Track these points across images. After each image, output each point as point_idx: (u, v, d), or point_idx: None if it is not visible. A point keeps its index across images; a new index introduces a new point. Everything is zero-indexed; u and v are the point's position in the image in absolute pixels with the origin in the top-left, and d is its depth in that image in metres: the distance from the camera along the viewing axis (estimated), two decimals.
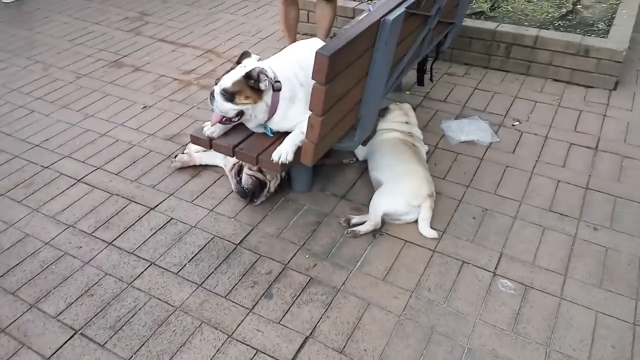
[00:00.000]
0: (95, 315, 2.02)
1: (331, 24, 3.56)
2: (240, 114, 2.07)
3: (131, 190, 2.66)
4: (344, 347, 1.88)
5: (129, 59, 4.03)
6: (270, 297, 2.07)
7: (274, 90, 2.02)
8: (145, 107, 3.39)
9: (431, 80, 3.34)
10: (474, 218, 2.43)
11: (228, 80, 2.03)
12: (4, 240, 2.37)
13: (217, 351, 1.87)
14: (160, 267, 2.22)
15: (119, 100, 3.48)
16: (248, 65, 2.05)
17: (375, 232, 2.35)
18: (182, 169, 2.79)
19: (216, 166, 2.78)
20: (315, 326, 1.95)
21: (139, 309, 2.04)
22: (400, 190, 2.34)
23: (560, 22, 3.71)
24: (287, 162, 1.97)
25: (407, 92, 3.43)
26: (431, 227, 2.32)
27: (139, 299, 2.08)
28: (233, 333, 1.93)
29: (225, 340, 1.91)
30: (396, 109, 2.72)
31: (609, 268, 2.16)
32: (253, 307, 2.03)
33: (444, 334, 1.91)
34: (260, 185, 2.47)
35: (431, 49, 2.83)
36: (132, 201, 2.59)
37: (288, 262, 2.22)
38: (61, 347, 1.90)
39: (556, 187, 2.59)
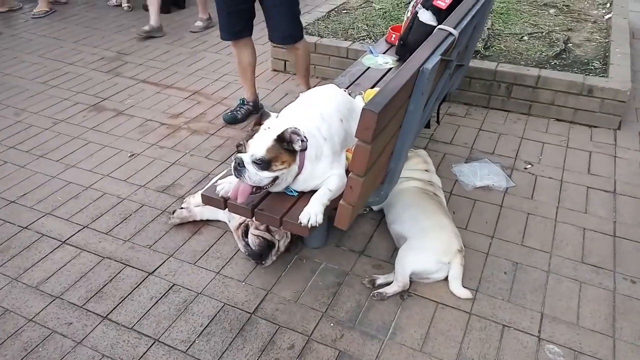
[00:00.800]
0: None
1: (308, 64, 3.43)
2: (275, 179, 1.85)
3: (125, 252, 2.38)
4: None
5: (110, 102, 3.77)
6: None
7: (300, 150, 1.82)
8: (132, 155, 3.12)
9: (438, 122, 3.23)
10: (505, 273, 2.26)
11: (261, 148, 1.78)
12: (13, 322, 2.05)
13: None
14: (165, 344, 1.94)
15: (102, 148, 3.20)
16: (272, 126, 1.84)
17: (403, 294, 2.14)
18: (181, 225, 2.54)
19: (218, 221, 2.54)
20: None
21: None
22: (429, 246, 2.16)
23: (555, 60, 3.69)
24: (317, 225, 1.76)
25: None
26: (463, 286, 2.14)
27: None
28: None
29: None
30: (414, 156, 2.56)
31: None
32: None
33: None
34: (268, 245, 2.24)
35: (446, 92, 2.71)
36: (127, 265, 2.30)
37: (311, 333, 1.98)
38: None
39: (583, 236, 2.47)
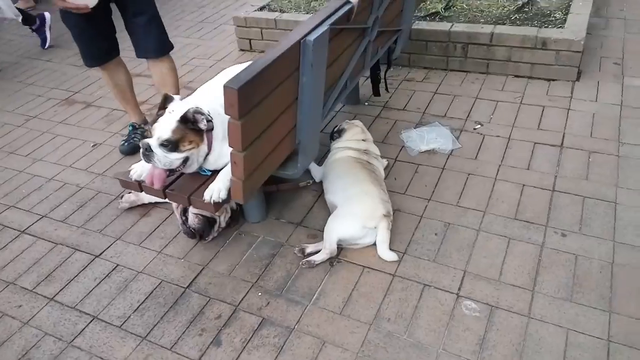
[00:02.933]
0: None
1: (177, 79, 2.99)
2: (186, 160, 1.93)
3: (77, 237, 2.52)
4: None
5: (81, 95, 3.90)
6: (219, 344, 1.93)
7: (206, 130, 1.88)
8: (95, 145, 3.25)
9: (387, 89, 3.22)
10: (435, 234, 2.30)
11: (166, 130, 1.86)
12: None
13: None
14: (103, 321, 2.07)
15: (68, 140, 3.34)
16: (176, 108, 1.91)
17: (332, 260, 2.21)
18: (131, 209, 2.65)
19: (167, 202, 2.64)
20: None
21: None
22: (354, 212, 2.21)
23: (516, 15, 3.60)
24: (221, 201, 1.84)
25: (366, 104, 3.31)
26: (391, 249, 2.19)
27: (79, 359, 1.93)
28: None
29: None
30: (351, 127, 2.59)
31: (580, 278, 2.02)
32: (200, 358, 1.89)
33: None
34: (209, 222, 2.33)
35: (376, 59, 2.70)
36: (76, 250, 2.44)
37: (239, 303, 2.08)
38: None
39: (521, 192, 2.47)
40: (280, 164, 1.96)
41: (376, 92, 3.19)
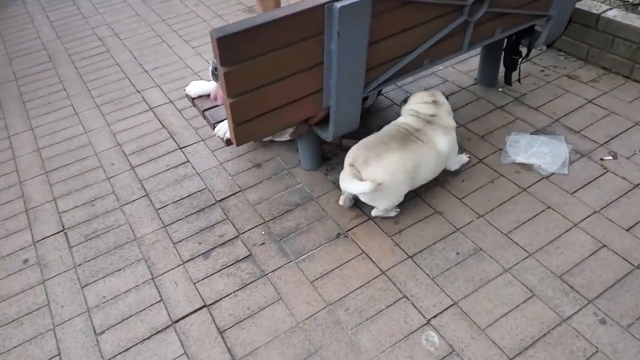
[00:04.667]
0: (83, 222, 2.40)
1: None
2: None
3: (178, 127, 2.95)
4: (226, 329, 1.88)
5: None
6: (207, 257, 2.16)
7: None
8: None
9: (519, 81, 2.75)
10: (457, 254, 2.04)
11: None
12: (76, 143, 2.93)
13: (135, 286, 2.07)
14: (150, 200, 2.48)
15: None
16: None
17: (340, 233, 2.18)
18: None
19: None
20: (219, 300, 1.98)
21: (113, 229, 2.34)
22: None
23: None
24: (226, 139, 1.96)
25: (500, 89, 2.89)
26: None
27: (118, 220, 2.39)
28: (155, 277, 2.10)
29: (147, 280, 2.09)
30: (417, 93, 2.33)
31: None
32: (187, 261, 2.15)
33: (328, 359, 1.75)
34: None
35: (486, 43, 2.29)
36: (171, 137, 2.88)
37: (243, 232, 2.25)
38: (51, 235, 2.34)
39: (594, 253, 1.97)
40: (300, 121, 1.95)
41: (508, 81, 2.76)
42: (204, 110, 2.16)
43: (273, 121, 1.84)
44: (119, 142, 2.89)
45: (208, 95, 2.38)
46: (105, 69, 3.63)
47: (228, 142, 2.01)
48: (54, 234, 2.35)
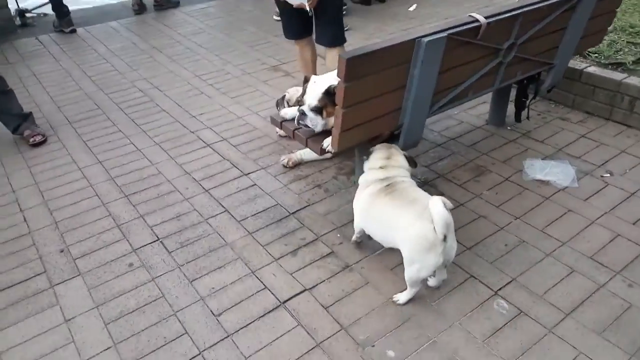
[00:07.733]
0: (174, 233, 2.72)
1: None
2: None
3: (238, 159, 3.36)
4: (329, 306, 2.22)
5: (285, 65, 4.86)
6: (294, 255, 2.52)
7: None
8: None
9: (528, 118, 3.38)
10: (505, 245, 2.51)
11: (313, 99, 2.44)
12: (147, 172, 3.27)
13: (238, 279, 2.39)
14: (230, 214, 2.84)
15: (262, 95, 4.29)
16: (317, 81, 2.51)
17: None
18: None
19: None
20: (316, 285, 2.34)
21: (203, 237, 2.68)
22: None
23: None
24: (328, 150, 2.41)
25: (508, 128, 3.51)
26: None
27: (206, 230, 2.73)
28: (255, 271, 2.43)
29: (247, 274, 2.42)
30: (376, 150, 2.37)
31: (621, 321, 2.07)
32: (279, 258, 2.50)
33: (418, 323, 2.12)
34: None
35: (510, 82, 2.92)
36: (234, 166, 3.29)
37: (321, 235, 2.64)
38: (148, 244, 2.64)
39: (612, 240, 2.49)
40: (378, 134, 2.45)
41: (518, 118, 3.39)
42: (293, 130, 2.61)
43: (363, 132, 2.32)
44: (187, 171, 3.27)
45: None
46: (155, 114, 4.04)
47: (322, 152, 2.45)
48: (151, 243, 2.66)
